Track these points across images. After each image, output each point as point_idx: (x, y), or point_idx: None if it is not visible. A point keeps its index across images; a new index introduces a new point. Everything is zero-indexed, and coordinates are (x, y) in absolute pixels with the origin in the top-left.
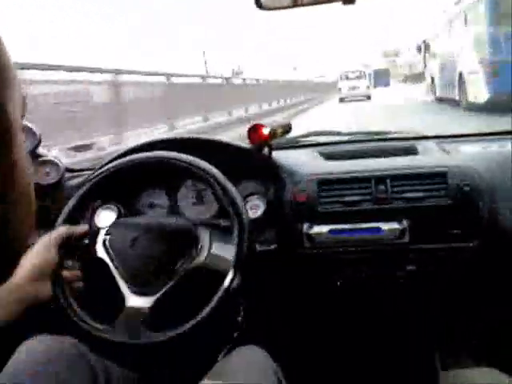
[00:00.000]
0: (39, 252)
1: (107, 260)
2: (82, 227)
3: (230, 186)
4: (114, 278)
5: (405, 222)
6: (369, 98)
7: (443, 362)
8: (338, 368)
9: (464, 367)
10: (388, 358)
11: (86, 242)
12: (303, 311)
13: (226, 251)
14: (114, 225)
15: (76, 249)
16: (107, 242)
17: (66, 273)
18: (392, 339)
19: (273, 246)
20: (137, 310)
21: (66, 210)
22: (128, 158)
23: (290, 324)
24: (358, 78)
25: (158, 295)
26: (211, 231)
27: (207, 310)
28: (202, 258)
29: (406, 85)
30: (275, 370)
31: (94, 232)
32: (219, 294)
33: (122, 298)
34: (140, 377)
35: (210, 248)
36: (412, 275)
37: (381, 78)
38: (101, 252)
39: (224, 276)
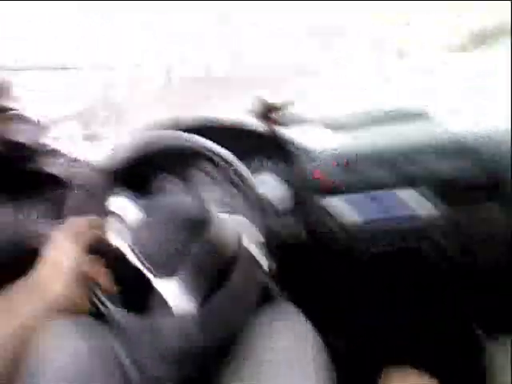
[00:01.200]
0: (60, 250)
1: (126, 250)
2: (97, 218)
3: (242, 168)
4: (134, 266)
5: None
6: None
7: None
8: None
9: None
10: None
11: (99, 233)
12: (332, 286)
13: (239, 221)
14: (124, 210)
15: (95, 243)
16: (123, 231)
17: (94, 273)
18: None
19: (303, 237)
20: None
21: (78, 192)
22: (145, 143)
23: (319, 298)
24: None
25: (183, 276)
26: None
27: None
28: (215, 230)
29: None
30: (309, 326)
31: (108, 221)
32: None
33: (149, 284)
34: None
35: (221, 221)
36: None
37: None
38: (117, 242)
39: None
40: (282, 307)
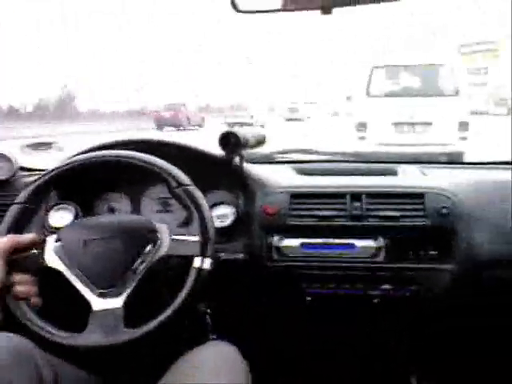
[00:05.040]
0: None
1: (61, 268)
2: (28, 236)
3: (193, 188)
4: (72, 285)
5: (381, 240)
6: None
7: None
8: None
9: None
10: (358, 376)
11: (35, 251)
12: (271, 323)
13: (190, 237)
14: (63, 229)
15: (24, 260)
16: (58, 249)
17: (18, 288)
18: (363, 358)
19: (240, 256)
20: (107, 311)
21: (14, 205)
22: (88, 155)
23: (257, 334)
24: None
25: (125, 294)
26: (169, 225)
27: (183, 294)
28: (164, 248)
29: None
30: (244, 365)
31: (42, 240)
32: (192, 276)
33: (88, 305)
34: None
35: (170, 237)
36: (386, 296)
37: None
38: (52, 261)
39: (192, 259)
40: (216, 345)
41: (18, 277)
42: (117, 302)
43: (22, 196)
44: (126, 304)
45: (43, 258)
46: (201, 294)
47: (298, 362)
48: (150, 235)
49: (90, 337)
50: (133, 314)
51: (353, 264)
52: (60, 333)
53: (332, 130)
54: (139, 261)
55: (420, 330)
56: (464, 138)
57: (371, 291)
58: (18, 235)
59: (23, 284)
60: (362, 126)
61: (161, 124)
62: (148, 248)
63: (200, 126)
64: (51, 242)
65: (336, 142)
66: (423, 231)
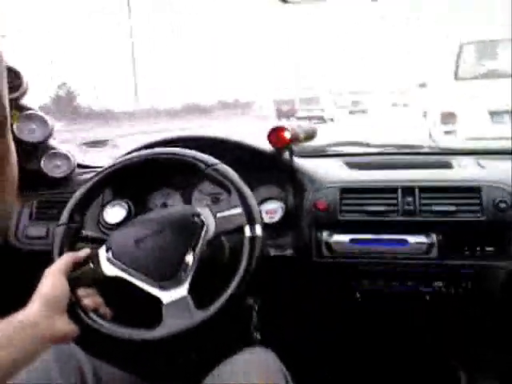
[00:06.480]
0: (49, 284)
1: (120, 274)
2: (84, 251)
3: (222, 165)
4: (137, 287)
5: (433, 236)
6: None
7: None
8: (351, 380)
9: None
10: (407, 376)
11: (91, 265)
12: (319, 319)
13: (233, 210)
14: (111, 236)
15: (83, 276)
16: (111, 257)
17: (85, 301)
18: (413, 358)
19: (289, 252)
20: (177, 301)
21: (72, 201)
22: (140, 152)
23: (305, 331)
24: None
25: (187, 282)
26: (211, 205)
27: (243, 265)
28: (211, 228)
29: None
30: (283, 371)
31: (95, 253)
32: (246, 245)
33: (157, 301)
34: (132, 376)
35: (215, 216)
36: (439, 293)
37: None
38: (109, 270)
39: (242, 228)
40: (259, 351)
41: (82, 292)
42: (182, 291)
43: (79, 193)
44: (191, 290)
45: (101, 270)
46: (261, 261)
47: (346, 358)
48: (195, 220)
49: (168, 326)
50: (198, 298)
51: (404, 260)
52: (138, 331)
53: (399, 122)
54: (192, 247)
55: (473, 327)
56: None
57: (423, 288)
58: (73, 253)
59: (89, 297)
60: (449, 118)
61: (279, 115)
62: (196, 232)
63: None
64: (103, 253)
65: (410, 138)
66: (479, 226)
